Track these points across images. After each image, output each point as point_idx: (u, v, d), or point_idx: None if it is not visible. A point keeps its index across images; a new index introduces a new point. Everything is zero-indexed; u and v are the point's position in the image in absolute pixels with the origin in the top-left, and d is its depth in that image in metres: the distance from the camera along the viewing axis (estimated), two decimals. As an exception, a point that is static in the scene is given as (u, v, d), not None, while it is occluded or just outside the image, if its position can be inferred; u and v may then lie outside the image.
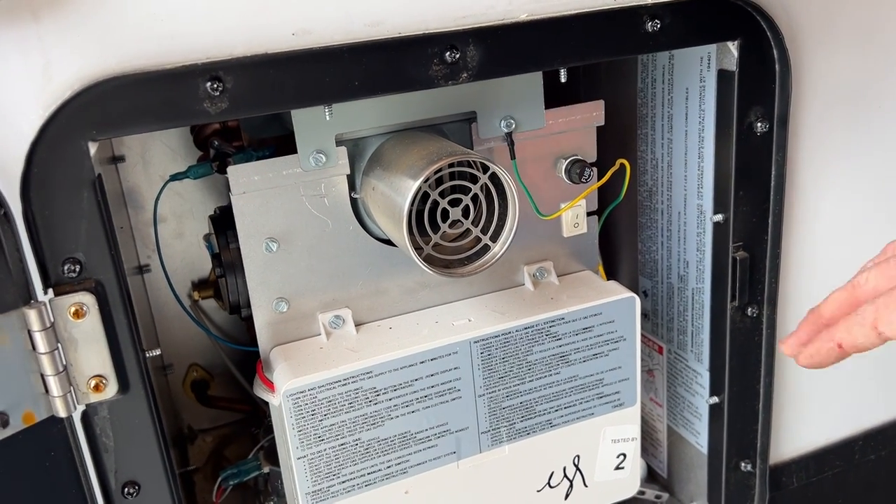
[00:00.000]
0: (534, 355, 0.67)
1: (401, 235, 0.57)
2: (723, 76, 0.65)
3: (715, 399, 0.74)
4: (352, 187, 0.64)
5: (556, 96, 0.66)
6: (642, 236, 0.81)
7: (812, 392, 0.79)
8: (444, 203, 0.60)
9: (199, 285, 0.90)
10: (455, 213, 0.60)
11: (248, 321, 0.67)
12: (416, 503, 0.67)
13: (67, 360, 0.52)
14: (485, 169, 0.59)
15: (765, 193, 0.68)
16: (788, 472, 0.82)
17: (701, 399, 0.77)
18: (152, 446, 0.56)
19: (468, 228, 0.61)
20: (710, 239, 0.71)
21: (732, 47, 0.63)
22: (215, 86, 0.49)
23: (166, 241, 0.89)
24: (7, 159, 0.48)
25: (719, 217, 0.69)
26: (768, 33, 0.63)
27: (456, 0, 0.54)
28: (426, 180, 0.56)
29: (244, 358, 0.92)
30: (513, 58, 0.57)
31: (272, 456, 0.77)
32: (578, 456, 0.72)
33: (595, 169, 0.69)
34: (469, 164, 0.59)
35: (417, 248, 0.58)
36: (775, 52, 0.63)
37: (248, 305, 0.65)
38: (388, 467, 0.65)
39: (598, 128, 0.70)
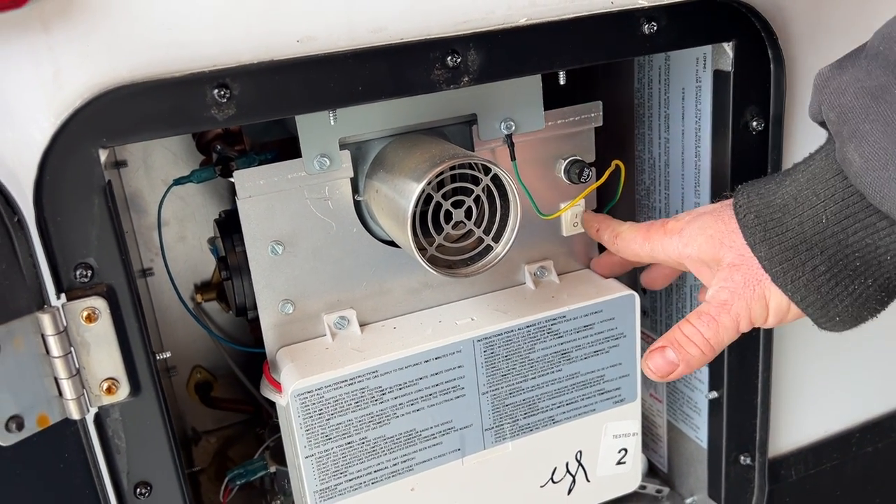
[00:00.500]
0: (536, 353, 0.68)
1: (405, 237, 0.58)
2: (718, 76, 0.66)
3: (714, 394, 0.75)
4: (355, 190, 0.65)
5: (554, 98, 0.67)
6: (640, 234, 0.82)
7: (809, 386, 0.80)
8: (446, 205, 0.60)
9: (202, 288, 0.91)
10: (458, 214, 0.61)
11: (255, 323, 0.67)
12: (421, 500, 0.67)
13: (80, 363, 0.52)
14: (486, 170, 0.60)
15: (761, 191, 0.69)
16: (787, 465, 0.82)
17: (700, 394, 0.78)
18: (163, 447, 0.57)
19: (471, 229, 0.62)
20: (708, 237, 0.72)
21: (728, 48, 0.64)
22: (223, 93, 0.50)
23: (169, 245, 0.89)
24: (20, 167, 0.48)
25: (716, 215, 0.70)
26: (763, 34, 0.63)
27: (456, 6, 0.55)
28: (429, 183, 0.57)
29: (247, 359, 0.92)
30: (512, 61, 0.57)
31: (278, 455, 0.78)
32: (581, 451, 0.73)
33: (594, 169, 0.70)
34: (471, 166, 0.60)
35: (421, 250, 0.59)
36: (770, 52, 0.64)
37: (255, 307, 0.65)
38: (394, 465, 0.66)
39: (597, 128, 0.71)
